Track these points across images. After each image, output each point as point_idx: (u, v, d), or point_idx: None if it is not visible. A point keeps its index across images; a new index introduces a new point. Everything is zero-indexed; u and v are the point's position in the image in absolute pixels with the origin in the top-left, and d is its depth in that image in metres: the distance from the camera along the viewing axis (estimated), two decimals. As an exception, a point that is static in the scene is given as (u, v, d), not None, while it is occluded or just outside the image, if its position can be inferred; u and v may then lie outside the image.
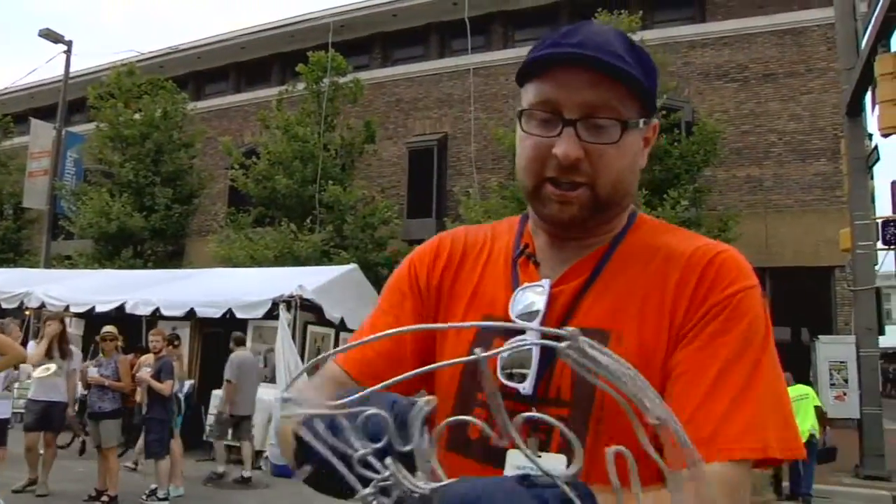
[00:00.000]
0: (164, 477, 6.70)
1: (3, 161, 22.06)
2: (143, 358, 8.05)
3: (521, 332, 0.82)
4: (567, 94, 0.85)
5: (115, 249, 16.39)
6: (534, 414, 0.54)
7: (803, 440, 7.79)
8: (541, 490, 0.51)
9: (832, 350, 11.88)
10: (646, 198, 11.26)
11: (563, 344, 0.51)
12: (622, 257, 0.91)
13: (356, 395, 0.53)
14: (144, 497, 6.71)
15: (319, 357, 0.65)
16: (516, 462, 0.79)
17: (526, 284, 0.92)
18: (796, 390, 8.17)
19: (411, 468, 0.51)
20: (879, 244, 10.53)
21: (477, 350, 0.53)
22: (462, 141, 17.01)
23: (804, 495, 8.21)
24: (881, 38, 9.21)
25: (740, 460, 0.74)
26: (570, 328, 0.51)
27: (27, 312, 10.69)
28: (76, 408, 7.81)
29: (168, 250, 17.58)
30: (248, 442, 8.17)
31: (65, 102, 17.36)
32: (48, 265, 16.13)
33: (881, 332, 10.52)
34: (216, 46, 21.33)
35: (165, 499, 6.71)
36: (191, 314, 9.54)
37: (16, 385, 6.78)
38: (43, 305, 10.20)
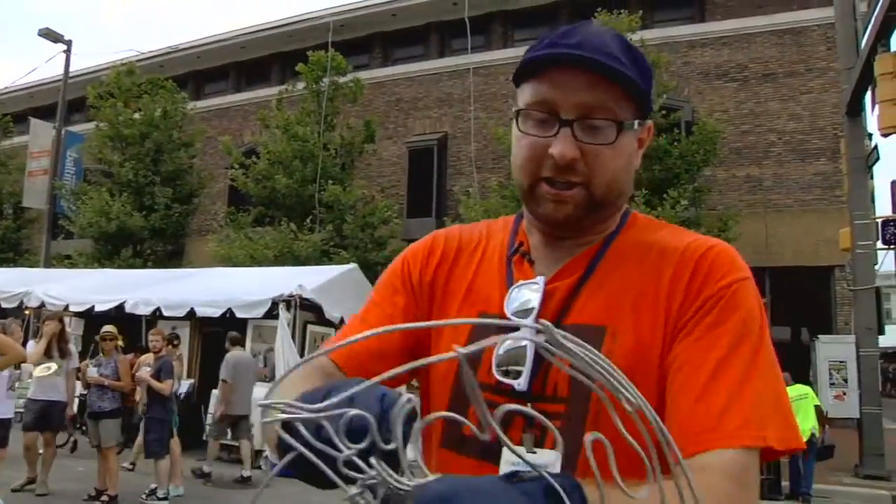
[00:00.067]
0: (163, 476, 6.71)
1: (2, 161, 22.07)
2: (142, 357, 8.05)
3: (515, 329, 0.83)
4: (564, 94, 0.86)
5: (114, 249, 16.41)
6: (514, 406, 0.54)
7: (804, 440, 7.85)
8: (526, 484, 0.51)
9: (832, 350, 11.88)
10: (646, 197, 11.26)
11: (538, 336, 0.51)
12: (616, 254, 0.92)
13: (338, 398, 0.53)
14: (144, 496, 6.71)
15: (304, 360, 0.65)
16: (511, 458, 0.79)
17: (521, 282, 0.92)
18: (796, 390, 8.18)
19: (397, 466, 0.51)
20: (879, 244, 10.53)
21: (458, 348, 0.52)
22: (462, 140, 17.02)
23: (804, 494, 8.21)
24: (881, 38, 9.20)
25: (744, 448, 0.74)
26: (542, 321, 0.52)
27: (27, 312, 10.69)
28: (76, 408, 7.82)
29: (168, 250, 17.59)
30: (247, 441, 8.17)
31: (64, 102, 17.36)
32: (48, 265, 16.13)
33: (881, 331, 10.52)
34: (216, 46, 21.34)
35: (165, 498, 6.71)
36: (191, 314, 9.55)
37: (16, 384, 6.78)
38: (43, 305, 10.20)
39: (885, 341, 13.39)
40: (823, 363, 11.90)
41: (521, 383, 0.85)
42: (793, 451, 0.79)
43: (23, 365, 6.41)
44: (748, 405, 0.76)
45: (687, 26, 15.89)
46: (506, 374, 0.86)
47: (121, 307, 9.72)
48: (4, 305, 10.56)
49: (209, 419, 9.15)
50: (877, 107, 9.25)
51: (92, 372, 6.71)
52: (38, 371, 6.60)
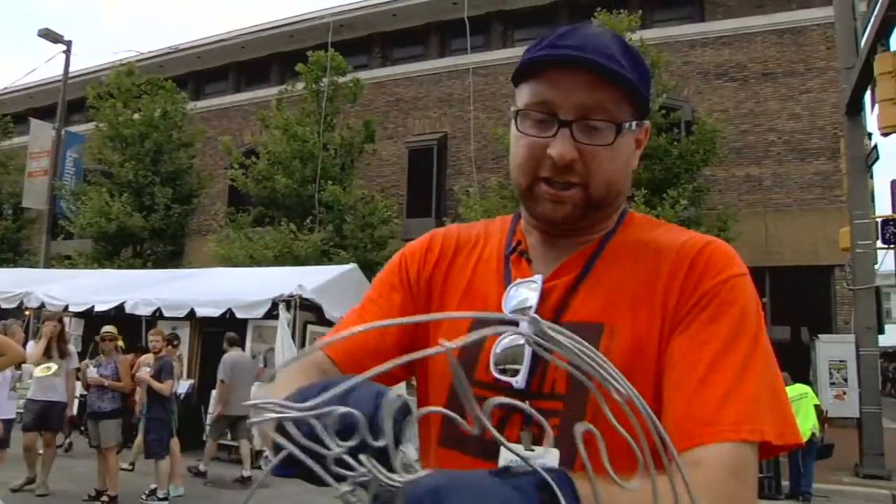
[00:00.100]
0: (164, 477, 6.70)
1: (2, 161, 22.08)
2: (142, 358, 8.05)
3: (511, 323, 0.83)
4: (563, 95, 0.87)
5: (114, 249, 16.41)
6: (503, 399, 0.54)
7: (805, 439, 7.86)
8: (517, 479, 0.51)
9: (832, 349, 11.89)
10: (645, 197, 11.26)
11: (525, 327, 0.51)
12: (613, 253, 0.93)
13: (327, 396, 0.53)
14: (144, 497, 6.71)
15: (294, 358, 0.65)
16: (510, 456, 0.78)
17: (519, 280, 0.93)
18: (795, 389, 8.18)
19: (389, 462, 0.50)
20: (879, 243, 10.54)
21: (444, 342, 0.52)
22: (461, 140, 17.02)
23: (804, 494, 8.22)
24: (881, 37, 9.20)
25: (741, 442, 0.74)
26: (530, 313, 0.52)
27: (27, 313, 10.69)
28: (76, 408, 7.81)
29: (168, 250, 17.58)
30: (247, 441, 8.17)
31: (64, 102, 17.36)
32: (48, 265, 16.14)
33: (881, 330, 10.52)
34: (216, 46, 21.35)
35: (165, 499, 6.71)
36: (191, 314, 9.55)
37: (17, 385, 6.78)
38: (43, 305, 10.20)
39: (884, 341, 13.40)
40: (823, 363, 11.91)
41: (518, 381, 0.85)
42: (791, 447, 0.78)
43: (24, 366, 6.41)
44: (745, 399, 0.76)
45: (686, 26, 15.89)
46: (503, 372, 0.86)
47: (121, 307, 9.72)
48: (4, 306, 10.55)
49: (209, 419, 9.15)
50: (876, 106, 9.25)
51: (92, 372, 6.71)
52: (39, 371, 6.60)
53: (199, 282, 10.60)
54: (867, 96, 10.16)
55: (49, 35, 16.95)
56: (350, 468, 0.50)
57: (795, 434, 0.78)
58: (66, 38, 17.35)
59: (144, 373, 6.95)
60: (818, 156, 14.05)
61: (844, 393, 11.44)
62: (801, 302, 13.84)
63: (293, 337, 8.88)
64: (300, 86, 15.65)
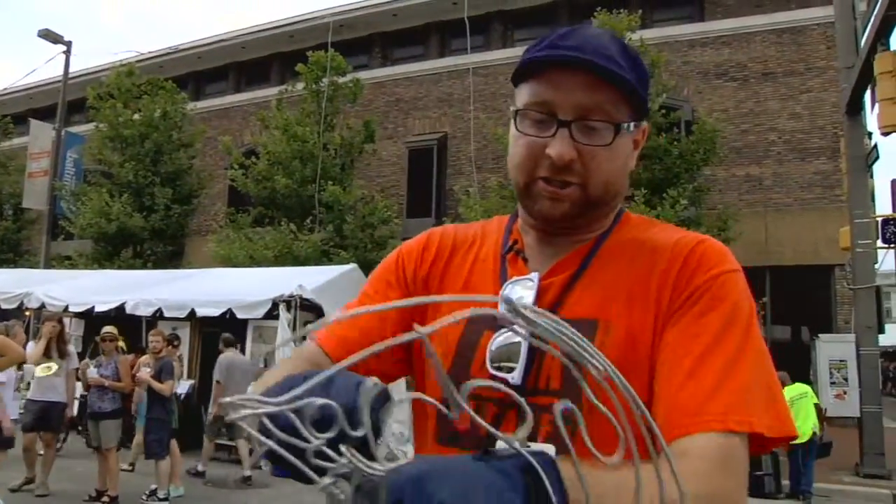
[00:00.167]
0: (164, 477, 6.71)
1: (2, 162, 22.08)
2: (142, 358, 8.05)
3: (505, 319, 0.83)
4: (562, 95, 0.87)
5: (114, 250, 16.41)
6: (482, 381, 0.54)
7: (805, 439, 7.86)
8: (501, 462, 0.51)
9: (832, 349, 11.89)
10: (645, 197, 11.26)
11: (502, 309, 0.51)
12: (609, 251, 0.94)
13: (302, 388, 0.52)
14: (145, 497, 6.72)
15: (284, 340, 0.65)
16: (503, 447, 0.79)
17: (515, 278, 0.94)
18: (795, 389, 8.18)
19: (371, 452, 0.50)
20: (879, 243, 10.54)
21: (418, 327, 0.52)
22: (461, 140, 17.02)
23: (804, 493, 8.22)
24: (881, 37, 9.20)
25: (728, 432, 0.73)
26: (506, 296, 0.52)
27: (27, 313, 10.69)
28: (76, 409, 7.81)
29: (168, 250, 17.58)
30: (244, 441, 8.17)
31: (64, 103, 17.36)
32: (48, 265, 16.13)
33: (881, 330, 10.52)
34: (216, 46, 21.34)
35: (166, 499, 6.72)
36: (191, 314, 9.55)
37: (20, 386, 6.79)
38: (43, 306, 10.20)
39: (885, 340, 13.39)
40: (824, 362, 11.91)
41: (514, 377, 0.85)
42: (784, 441, 0.78)
43: (25, 366, 6.41)
44: (733, 390, 0.76)
45: (686, 25, 15.89)
46: (499, 369, 0.87)
47: (121, 308, 9.72)
48: (4, 307, 10.55)
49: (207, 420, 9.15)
50: (876, 105, 9.25)
51: (92, 373, 6.71)
52: (39, 371, 6.60)
53: (199, 282, 10.60)
54: (867, 96, 10.16)
55: (49, 35, 16.95)
56: (331, 460, 0.50)
57: (788, 427, 0.78)
58: (66, 38, 17.35)
59: (145, 373, 6.96)
60: (818, 155, 14.05)
61: (845, 392, 11.44)
62: (801, 301, 13.84)
63: (293, 337, 8.87)
64: (300, 86, 15.64)
